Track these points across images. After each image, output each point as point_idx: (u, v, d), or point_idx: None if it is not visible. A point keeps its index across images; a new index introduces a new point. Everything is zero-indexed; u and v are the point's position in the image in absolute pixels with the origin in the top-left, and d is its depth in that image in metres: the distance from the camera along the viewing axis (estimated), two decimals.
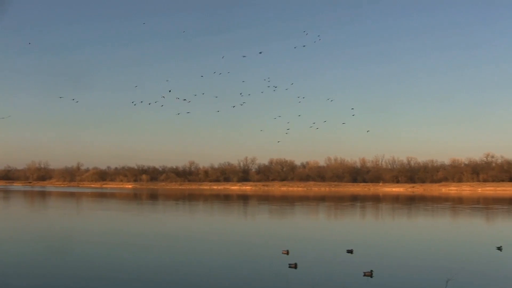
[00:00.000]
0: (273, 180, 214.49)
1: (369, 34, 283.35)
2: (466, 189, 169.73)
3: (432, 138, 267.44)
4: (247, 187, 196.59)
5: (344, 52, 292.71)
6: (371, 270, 22.29)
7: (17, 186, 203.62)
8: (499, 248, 29.46)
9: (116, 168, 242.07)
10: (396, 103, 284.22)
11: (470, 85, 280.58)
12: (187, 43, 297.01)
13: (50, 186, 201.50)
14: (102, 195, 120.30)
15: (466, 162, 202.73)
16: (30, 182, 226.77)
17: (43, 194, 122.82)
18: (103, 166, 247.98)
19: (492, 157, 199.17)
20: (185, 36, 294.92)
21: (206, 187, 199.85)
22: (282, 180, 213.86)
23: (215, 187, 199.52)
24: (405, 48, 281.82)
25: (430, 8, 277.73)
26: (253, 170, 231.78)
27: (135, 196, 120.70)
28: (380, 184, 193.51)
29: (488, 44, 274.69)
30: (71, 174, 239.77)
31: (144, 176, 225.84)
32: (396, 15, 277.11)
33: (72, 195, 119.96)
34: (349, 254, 27.87)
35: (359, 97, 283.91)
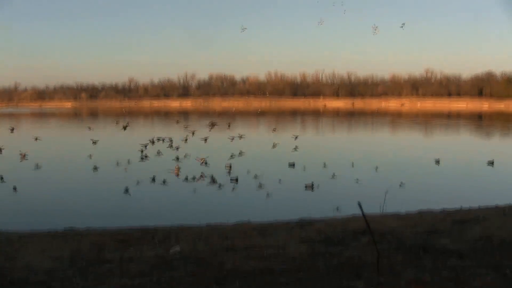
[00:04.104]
0: (213, 95, 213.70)
1: None
2: (405, 104, 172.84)
3: (372, 53, 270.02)
4: (187, 103, 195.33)
5: None
6: (312, 183, 22.43)
7: None
8: (437, 162, 30.01)
9: (54, 87, 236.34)
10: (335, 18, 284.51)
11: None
12: None
13: None
14: (41, 115, 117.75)
15: (406, 78, 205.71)
16: None
17: None
18: (41, 86, 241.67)
19: (432, 72, 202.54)
20: None
21: (146, 104, 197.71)
22: (223, 95, 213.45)
23: (155, 104, 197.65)
24: None
25: None
26: (193, 86, 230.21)
27: (75, 115, 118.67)
28: (321, 98, 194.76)
29: None
30: (9, 95, 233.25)
31: (83, 94, 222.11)
32: None
33: (11, 116, 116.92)
34: (291, 167, 28.04)
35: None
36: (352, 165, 28.52)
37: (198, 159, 27.83)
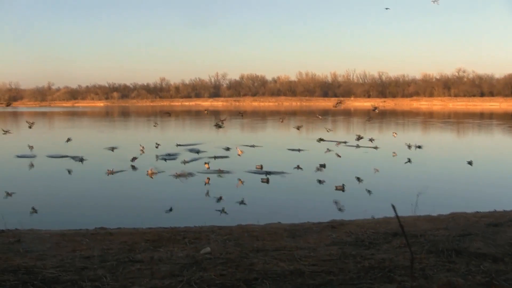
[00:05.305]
0: (244, 95, 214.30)
1: None
2: (437, 104, 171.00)
3: (403, 52, 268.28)
4: (218, 103, 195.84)
5: None
6: (343, 184, 22.30)
7: None
8: (470, 163, 29.57)
9: (87, 87, 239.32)
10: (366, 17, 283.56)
11: (442, 2, 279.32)
12: None
13: (22, 107, 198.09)
14: (73, 114, 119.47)
15: (438, 77, 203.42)
16: (1, 103, 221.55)
17: (15, 114, 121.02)
18: (74, 85, 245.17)
19: (464, 72, 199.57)
20: None
21: (177, 103, 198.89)
22: (254, 95, 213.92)
23: (186, 103, 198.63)
24: None
25: None
26: (224, 85, 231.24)
27: (107, 114, 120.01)
28: (351, 98, 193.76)
29: None
30: (42, 94, 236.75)
31: (115, 94, 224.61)
32: None
33: (44, 114, 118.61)
34: (322, 168, 27.92)
35: None
36: (383, 167, 28.28)
37: (258, 166, 27.76)
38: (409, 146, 33.16)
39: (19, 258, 8.93)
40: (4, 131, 31.20)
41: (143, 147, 33.88)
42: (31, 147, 32.61)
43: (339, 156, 32.32)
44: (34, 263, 8.56)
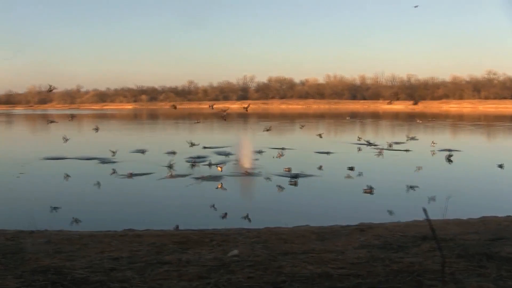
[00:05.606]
0: (272, 98, 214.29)
1: None
2: (467, 107, 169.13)
3: (432, 55, 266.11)
4: (246, 105, 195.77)
5: None
6: (371, 187, 22.17)
7: (19, 110, 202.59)
8: (500, 166, 29.18)
9: (115, 89, 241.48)
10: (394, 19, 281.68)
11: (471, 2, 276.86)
12: None
13: (51, 109, 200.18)
14: (103, 116, 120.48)
15: (467, 79, 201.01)
16: (31, 106, 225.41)
17: (45, 117, 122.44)
18: (102, 88, 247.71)
19: (494, 74, 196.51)
20: None
21: (206, 105, 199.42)
22: (282, 98, 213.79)
23: (214, 106, 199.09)
24: None
25: None
26: (252, 88, 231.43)
27: (135, 116, 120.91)
28: (380, 101, 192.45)
29: None
30: (72, 97, 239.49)
31: (143, 97, 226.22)
32: None
33: (73, 117, 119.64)
34: (351, 170, 27.75)
35: None
36: (414, 170, 28.03)
37: (287, 169, 27.74)
38: (449, 157, 32.69)
39: (48, 259, 9.00)
40: (49, 121, 32.33)
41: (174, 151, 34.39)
42: (65, 139, 32.76)
43: (381, 154, 32.65)
44: (63, 264, 8.62)
